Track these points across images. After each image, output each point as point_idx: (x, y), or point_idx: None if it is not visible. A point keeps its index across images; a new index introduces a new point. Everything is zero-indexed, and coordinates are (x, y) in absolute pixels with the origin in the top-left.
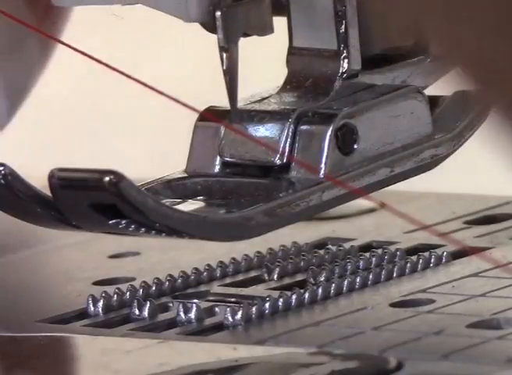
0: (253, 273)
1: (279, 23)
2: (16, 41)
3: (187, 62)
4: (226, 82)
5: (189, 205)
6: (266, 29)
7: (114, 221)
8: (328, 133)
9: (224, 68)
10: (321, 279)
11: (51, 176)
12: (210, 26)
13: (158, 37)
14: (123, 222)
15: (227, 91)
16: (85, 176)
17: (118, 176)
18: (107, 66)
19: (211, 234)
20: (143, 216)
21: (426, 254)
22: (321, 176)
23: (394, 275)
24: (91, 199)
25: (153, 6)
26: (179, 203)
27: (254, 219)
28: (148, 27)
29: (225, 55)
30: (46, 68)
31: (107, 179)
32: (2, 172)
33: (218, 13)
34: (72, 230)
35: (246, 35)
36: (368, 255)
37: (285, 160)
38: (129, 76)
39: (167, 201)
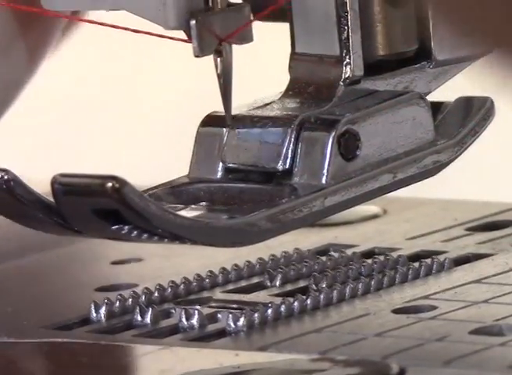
0: (255, 280)
1: (282, 28)
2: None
3: (189, 68)
4: (220, 85)
5: (191, 211)
6: (245, 37)
7: (116, 227)
8: (331, 139)
9: (218, 72)
10: (324, 285)
11: (54, 182)
12: (189, 34)
13: (158, 44)
14: (126, 228)
15: (221, 95)
16: (87, 182)
17: (120, 182)
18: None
19: (214, 240)
20: (145, 221)
21: (428, 260)
22: (324, 180)
23: (396, 281)
24: (94, 205)
25: (135, 13)
26: (181, 209)
27: (257, 225)
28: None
29: (219, 59)
30: (32, 78)
31: (109, 185)
32: (5, 177)
33: (193, 22)
34: (74, 236)
35: (226, 43)
36: (370, 261)
37: (287, 166)
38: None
39: (169, 207)
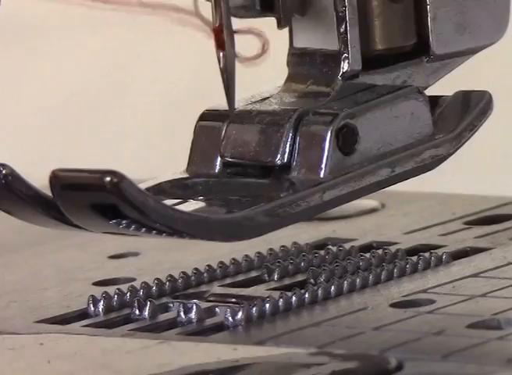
0: (253, 274)
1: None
2: None
3: (187, 62)
4: (223, 80)
5: (190, 206)
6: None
7: (114, 221)
8: (329, 133)
9: (221, 66)
10: (322, 279)
11: (52, 177)
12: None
13: (158, 39)
14: (124, 222)
15: (224, 90)
16: (86, 177)
17: (118, 177)
18: None
19: (212, 234)
20: (143, 216)
21: (426, 254)
22: (322, 174)
23: (394, 275)
24: (92, 199)
25: None
26: (180, 203)
27: (255, 220)
28: (148, 29)
29: (221, 53)
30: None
31: (108, 179)
32: (3, 172)
33: None
34: (72, 230)
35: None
36: (368, 255)
37: (285, 160)
38: None
39: (168, 202)
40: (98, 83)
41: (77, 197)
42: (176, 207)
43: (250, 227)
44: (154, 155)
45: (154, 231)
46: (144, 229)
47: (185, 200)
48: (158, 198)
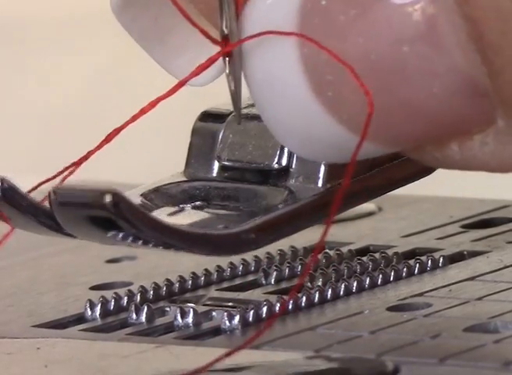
0: (250, 278)
1: None
2: None
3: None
4: (229, 84)
5: (187, 216)
6: None
7: (112, 233)
8: None
9: (227, 71)
10: (319, 283)
11: (51, 194)
12: None
13: None
14: (121, 234)
15: (230, 94)
16: (84, 195)
17: (119, 197)
18: None
19: (210, 249)
20: (142, 234)
21: (423, 258)
22: (320, 183)
23: (391, 279)
24: (90, 213)
25: None
26: (177, 212)
27: (253, 234)
28: None
29: (227, 58)
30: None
31: (108, 200)
32: (1, 186)
33: None
34: (70, 238)
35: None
36: (365, 258)
37: (283, 164)
38: None
39: (165, 209)
40: (96, 85)
41: (75, 212)
42: (174, 217)
43: (248, 241)
44: (151, 159)
45: (151, 244)
46: (140, 241)
47: (182, 208)
48: (157, 218)
